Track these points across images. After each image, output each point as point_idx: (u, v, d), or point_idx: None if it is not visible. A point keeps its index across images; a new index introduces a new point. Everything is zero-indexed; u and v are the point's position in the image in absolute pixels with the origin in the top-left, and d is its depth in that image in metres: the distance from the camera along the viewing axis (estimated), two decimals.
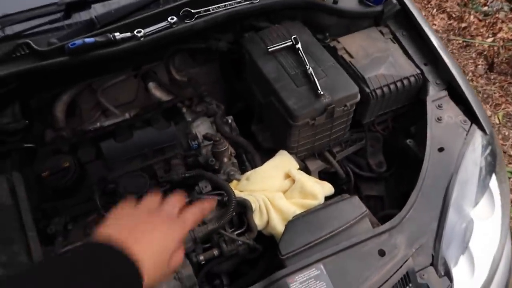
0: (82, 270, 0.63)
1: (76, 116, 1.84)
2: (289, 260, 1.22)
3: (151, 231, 0.74)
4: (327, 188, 1.56)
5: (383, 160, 1.77)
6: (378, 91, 1.61)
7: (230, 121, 1.56)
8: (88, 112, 1.86)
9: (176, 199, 0.84)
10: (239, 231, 1.38)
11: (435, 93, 1.61)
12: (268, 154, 1.65)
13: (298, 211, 1.40)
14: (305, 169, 1.67)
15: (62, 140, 1.56)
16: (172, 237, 0.77)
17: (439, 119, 1.53)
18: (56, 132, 1.65)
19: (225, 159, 1.41)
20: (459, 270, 1.39)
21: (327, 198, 1.56)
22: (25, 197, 1.20)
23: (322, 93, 1.48)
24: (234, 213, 1.34)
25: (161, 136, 1.44)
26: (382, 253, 1.23)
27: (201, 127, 1.55)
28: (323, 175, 1.74)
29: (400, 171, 1.78)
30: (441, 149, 1.45)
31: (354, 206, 1.35)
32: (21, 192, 1.20)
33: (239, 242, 1.33)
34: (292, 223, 1.30)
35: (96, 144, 1.46)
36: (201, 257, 1.31)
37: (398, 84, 1.63)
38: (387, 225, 1.28)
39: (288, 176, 1.49)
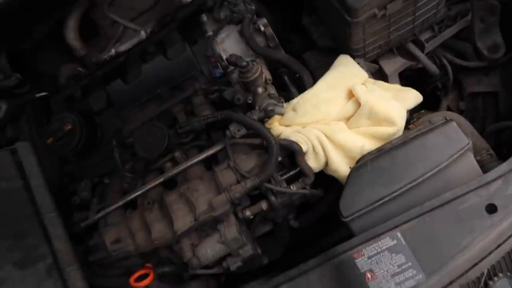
0: None
1: (101, 36, 1.56)
2: (354, 224, 0.92)
3: None
4: (411, 98, 1.12)
5: (499, 41, 1.21)
6: None
7: (263, 27, 1.13)
8: (110, 27, 1.56)
9: None
10: (292, 173, 1.09)
11: None
12: (327, 54, 1.23)
13: (369, 145, 1.03)
14: (378, 72, 1.21)
15: (77, 80, 1.32)
16: None
17: None
18: (72, 67, 1.41)
19: (259, 90, 1.04)
20: None
21: (417, 107, 1.14)
22: (37, 171, 1.03)
23: None
24: (279, 160, 1.03)
25: (175, 66, 1.11)
26: (492, 208, 0.85)
27: (227, 43, 1.15)
28: (408, 73, 1.28)
29: None
30: None
31: (449, 138, 0.93)
32: (31, 166, 1.03)
33: (291, 192, 1.05)
34: (358, 171, 0.96)
35: (106, 87, 1.19)
36: (248, 213, 1.08)
37: None
38: (502, 167, 0.86)
39: (351, 95, 1.08)
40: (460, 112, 1.28)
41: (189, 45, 1.14)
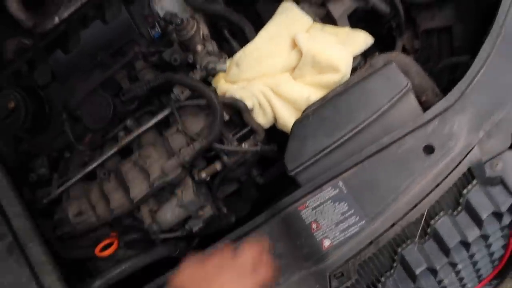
0: None
1: (47, 3, 1.50)
2: (301, 176, 0.93)
3: None
4: (360, 41, 1.09)
5: None
6: None
7: None
8: None
9: (248, 250, 0.80)
10: (244, 132, 1.09)
11: None
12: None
13: (315, 94, 1.02)
14: (327, 17, 1.17)
15: (22, 52, 1.28)
16: None
17: None
18: (18, 40, 1.36)
19: (198, 47, 1.01)
20: None
21: (372, 48, 1.11)
22: None
23: None
24: (226, 118, 1.03)
25: (112, 30, 1.07)
26: (429, 149, 0.85)
27: (165, 0, 1.10)
28: (359, 15, 1.23)
29: None
30: None
31: (389, 80, 0.91)
32: None
33: (243, 150, 1.05)
34: (300, 124, 0.95)
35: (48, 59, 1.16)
36: (203, 175, 1.08)
37: None
38: (437, 106, 0.86)
39: (295, 45, 1.05)
40: (415, 51, 1.25)
41: (125, 5, 1.08)
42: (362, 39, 1.10)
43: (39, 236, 1.03)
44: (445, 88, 0.97)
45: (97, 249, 1.10)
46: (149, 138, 1.12)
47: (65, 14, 1.33)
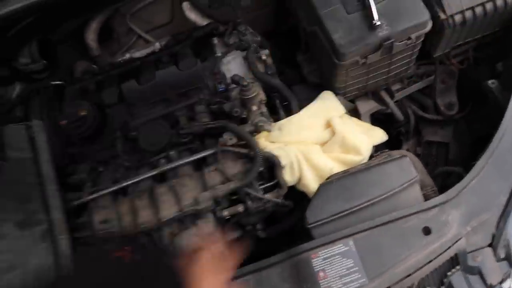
0: None
1: (114, 40, 1.73)
2: (316, 230, 1.09)
3: None
4: (378, 136, 1.33)
5: (455, 101, 1.45)
6: (458, 17, 1.23)
7: (264, 57, 1.33)
8: (125, 35, 1.74)
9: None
10: (269, 184, 1.26)
11: None
12: (314, 90, 1.43)
13: (337, 168, 1.22)
14: (354, 111, 1.42)
15: (91, 75, 1.48)
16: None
17: None
18: (87, 64, 1.57)
19: (254, 107, 1.23)
20: None
21: (382, 145, 1.34)
22: (45, 148, 1.17)
23: (378, 23, 1.17)
24: (260, 169, 1.20)
25: (185, 77, 1.29)
26: (427, 231, 1.04)
27: (232, 64, 1.35)
28: (379, 116, 1.49)
29: (475, 113, 1.46)
30: None
31: (402, 170, 1.13)
32: (41, 142, 1.16)
33: (266, 199, 1.21)
34: (325, 187, 1.14)
35: (120, 84, 1.35)
36: (225, 213, 1.23)
37: (488, 5, 1.23)
38: (439, 198, 1.06)
39: (329, 124, 1.28)
40: (417, 156, 1.50)
41: (201, 60, 1.32)
42: (380, 135, 1.34)
43: (69, 232, 1.12)
44: (439, 191, 1.19)
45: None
46: (186, 170, 1.27)
47: (137, 54, 1.57)
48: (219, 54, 1.37)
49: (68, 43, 1.57)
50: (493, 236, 1.04)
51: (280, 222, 1.39)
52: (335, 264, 1.02)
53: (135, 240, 1.28)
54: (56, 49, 1.44)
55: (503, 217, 1.05)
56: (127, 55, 1.55)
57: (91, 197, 1.26)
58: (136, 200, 1.23)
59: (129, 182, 1.27)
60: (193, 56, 1.35)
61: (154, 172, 1.25)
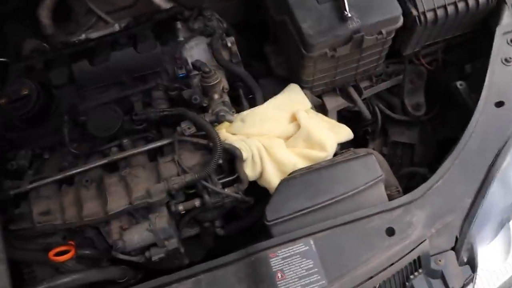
0: None
1: (72, 21, 1.60)
2: (275, 228, 1.02)
3: None
4: (344, 133, 1.29)
5: (422, 102, 1.43)
6: (430, 15, 1.21)
7: (230, 44, 1.25)
8: (83, 16, 1.61)
9: None
10: (228, 179, 1.18)
11: (510, 22, 1.18)
12: (281, 84, 1.36)
13: (301, 163, 1.16)
14: (321, 107, 1.37)
15: (40, 53, 1.35)
16: None
17: (506, 61, 1.13)
18: (38, 42, 1.43)
19: (216, 96, 1.15)
20: (490, 253, 1.15)
21: (347, 143, 1.30)
22: None
23: (349, 15, 1.12)
24: (219, 162, 1.13)
25: (143, 60, 1.19)
26: (391, 232, 0.99)
27: (195, 50, 1.26)
28: (344, 113, 1.45)
29: (442, 116, 1.45)
30: (499, 104, 1.09)
31: (368, 168, 1.08)
32: None
33: (225, 194, 1.13)
34: (287, 182, 1.07)
35: (70, 65, 1.24)
36: (180, 207, 1.14)
37: (460, 4, 1.21)
38: (403, 198, 1.02)
39: (294, 118, 1.22)
40: (382, 156, 1.47)
41: (161, 44, 1.23)
42: (346, 132, 1.30)
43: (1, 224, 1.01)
44: (403, 192, 1.15)
45: (51, 253, 1.07)
46: (140, 160, 1.18)
47: (93, 35, 1.46)
48: (182, 39, 1.28)
49: (19, 18, 1.43)
50: (457, 239, 1.01)
51: (240, 220, 1.33)
52: (294, 264, 0.96)
53: (79, 235, 1.18)
54: (2, 23, 1.31)
55: (467, 219, 1.02)
56: (83, 36, 1.43)
57: (31, 186, 1.14)
58: (82, 191, 1.13)
59: (76, 171, 1.16)
60: (154, 38, 1.26)
61: (104, 161, 1.15)
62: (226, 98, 1.17)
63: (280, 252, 0.97)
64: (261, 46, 1.49)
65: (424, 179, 1.09)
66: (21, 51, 1.40)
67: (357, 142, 1.43)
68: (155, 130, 1.24)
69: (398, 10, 1.16)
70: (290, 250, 0.97)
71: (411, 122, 1.45)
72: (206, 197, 1.14)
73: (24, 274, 1.18)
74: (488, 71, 1.12)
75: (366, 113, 1.39)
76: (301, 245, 0.98)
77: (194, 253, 1.34)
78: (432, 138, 1.45)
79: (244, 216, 1.31)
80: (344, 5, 1.13)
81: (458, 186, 1.05)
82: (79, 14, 1.60)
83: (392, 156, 1.46)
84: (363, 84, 1.39)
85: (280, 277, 0.96)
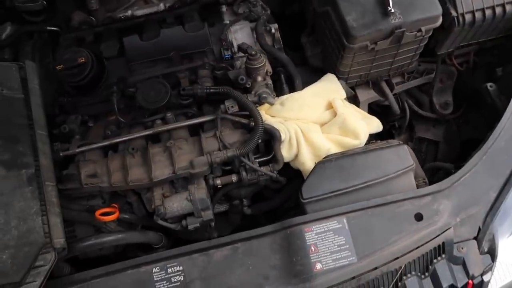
0: None
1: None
2: (310, 206, 1.09)
3: None
4: (374, 125, 1.35)
5: (450, 101, 1.49)
6: (468, 16, 1.26)
7: (273, 30, 1.31)
8: None
9: None
10: (264, 159, 1.25)
11: None
12: (315, 74, 1.42)
13: (334, 149, 1.22)
14: (353, 98, 1.43)
15: (88, 26, 1.41)
16: None
17: None
18: (85, 15, 1.49)
19: (259, 78, 1.21)
20: (508, 245, 1.21)
21: (373, 136, 1.36)
22: (38, 91, 1.10)
23: (392, 10, 1.18)
24: (259, 141, 1.19)
25: (191, 39, 1.25)
26: (419, 217, 1.06)
27: (239, 34, 1.32)
28: (374, 107, 1.51)
29: (467, 116, 1.50)
30: None
31: (399, 157, 1.14)
32: (33, 85, 1.10)
33: (261, 172, 1.20)
34: (323, 165, 1.13)
35: (121, 38, 1.30)
36: (218, 181, 1.21)
37: (498, 9, 1.26)
38: (433, 187, 1.09)
39: (330, 106, 1.28)
40: None
41: (208, 25, 1.29)
42: (376, 124, 1.36)
43: (56, 180, 1.07)
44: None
45: (97, 213, 1.13)
46: (181, 134, 1.24)
47: (139, 12, 1.51)
48: (228, 22, 1.34)
49: None
50: (479, 230, 1.08)
51: (269, 200, 1.39)
52: (327, 240, 1.03)
53: (122, 200, 1.25)
54: None
55: (490, 212, 1.08)
56: (129, 12, 1.49)
57: (81, 149, 1.21)
58: (128, 157, 1.19)
59: (122, 139, 1.22)
60: (201, 20, 1.32)
61: (149, 132, 1.22)
62: (269, 81, 1.23)
63: (315, 227, 1.04)
64: (295, 38, 1.54)
65: (449, 173, 1.15)
66: (70, 22, 1.46)
67: (383, 136, 1.49)
68: (196, 107, 1.30)
69: (438, 10, 1.21)
70: (324, 227, 1.04)
71: (437, 120, 1.51)
72: (243, 173, 1.21)
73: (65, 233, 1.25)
74: None
75: (396, 107, 1.45)
76: (335, 223, 1.04)
77: (222, 229, 1.40)
78: (456, 137, 1.51)
79: (273, 197, 1.38)
80: (388, 0, 1.18)
81: (484, 180, 1.11)
82: None
83: (417, 151, 1.52)
84: (395, 80, 1.44)
85: (313, 250, 1.02)
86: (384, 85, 1.43)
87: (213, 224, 1.28)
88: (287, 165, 1.27)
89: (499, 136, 1.13)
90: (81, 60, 1.17)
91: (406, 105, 1.49)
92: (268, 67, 1.25)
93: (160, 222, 1.17)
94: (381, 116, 1.48)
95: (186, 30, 1.30)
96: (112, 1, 1.65)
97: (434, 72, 1.46)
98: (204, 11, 1.39)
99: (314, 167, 1.14)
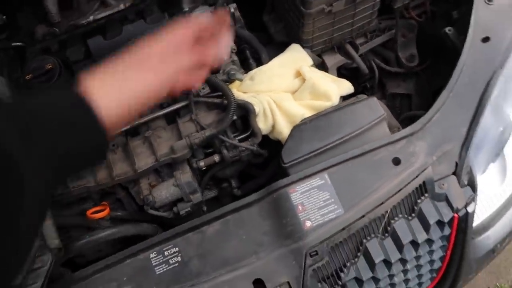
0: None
1: (74, 9, 1.68)
2: (292, 169, 1.12)
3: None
4: (345, 87, 1.38)
5: (415, 53, 1.53)
6: None
7: (232, 10, 1.34)
8: (86, 3, 1.69)
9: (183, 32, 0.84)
10: (243, 136, 1.28)
11: None
12: (281, 48, 1.45)
13: (308, 113, 1.25)
14: (321, 65, 1.47)
15: (52, 36, 1.43)
16: (148, 84, 0.79)
17: (489, 0, 1.23)
18: (48, 27, 1.51)
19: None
20: (487, 177, 1.25)
21: (345, 98, 1.39)
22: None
23: None
24: (235, 117, 1.22)
25: (152, 31, 1.27)
26: (397, 161, 1.09)
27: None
28: (343, 71, 1.55)
29: (435, 66, 1.54)
30: (485, 39, 1.19)
31: (370, 109, 1.18)
32: (5, 98, 1.12)
33: (242, 148, 1.23)
34: (298, 128, 1.17)
35: (85, 41, 1.33)
36: (202, 163, 1.24)
37: None
38: (406, 130, 1.12)
39: (299, 74, 1.31)
40: None
41: (168, 16, 1.32)
42: (347, 86, 1.39)
43: None
44: None
45: (89, 212, 1.16)
46: (159, 123, 1.27)
47: (101, 15, 1.53)
48: (187, 9, 1.36)
49: (25, 10, 1.50)
50: (456, 165, 1.11)
51: (255, 178, 1.42)
52: (312, 197, 1.06)
53: (111, 197, 1.27)
54: (15, 9, 1.38)
55: (464, 146, 1.12)
56: (91, 18, 1.51)
57: None
58: (110, 154, 1.21)
59: None
60: (160, 12, 1.34)
61: (127, 127, 1.24)
62: (235, 58, 1.26)
63: (299, 187, 1.07)
64: (258, 19, 1.57)
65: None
66: (34, 36, 1.48)
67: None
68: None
69: None
70: (308, 185, 1.07)
71: (406, 74, 1.55)
72: (225, 152, 1.23)
73: (62, 240, 1.27)
74: (473, 11, 1.21)
75: (364, 67, 1.49)
76: (317, 180, 1.08)
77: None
78: (427, 88, 1.55)
79: (261, 175, 1.41)
80: None
81: (453, 116, 1.15)
82: (81, 3, 1.68)
83: (391, 107, 1.55)
84: (358, 41, 1.48)
85: (300, 209, 1.05)
86: (349, 47, 1.47)
87: (205, 208, 1.31)
88: (268, 141, 1.30)
89: (462, 72, 1.17)
90: (49, 66, 1.19)
91: (373, 63, 1.52)
92: (232, 45, 1.28)
93: (151, 211, 1.19)
94: (352, 79, 1.51)
95: (147, 23, 1.32)
96: (73, 12, 1.68)
97: (394, 28, 1.50)
98: (163, 3, 1.42)
99: (291, 131, 1.17)
